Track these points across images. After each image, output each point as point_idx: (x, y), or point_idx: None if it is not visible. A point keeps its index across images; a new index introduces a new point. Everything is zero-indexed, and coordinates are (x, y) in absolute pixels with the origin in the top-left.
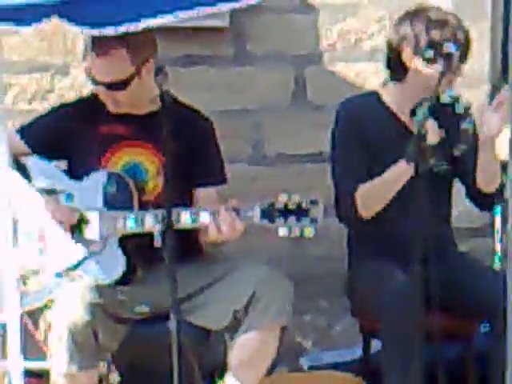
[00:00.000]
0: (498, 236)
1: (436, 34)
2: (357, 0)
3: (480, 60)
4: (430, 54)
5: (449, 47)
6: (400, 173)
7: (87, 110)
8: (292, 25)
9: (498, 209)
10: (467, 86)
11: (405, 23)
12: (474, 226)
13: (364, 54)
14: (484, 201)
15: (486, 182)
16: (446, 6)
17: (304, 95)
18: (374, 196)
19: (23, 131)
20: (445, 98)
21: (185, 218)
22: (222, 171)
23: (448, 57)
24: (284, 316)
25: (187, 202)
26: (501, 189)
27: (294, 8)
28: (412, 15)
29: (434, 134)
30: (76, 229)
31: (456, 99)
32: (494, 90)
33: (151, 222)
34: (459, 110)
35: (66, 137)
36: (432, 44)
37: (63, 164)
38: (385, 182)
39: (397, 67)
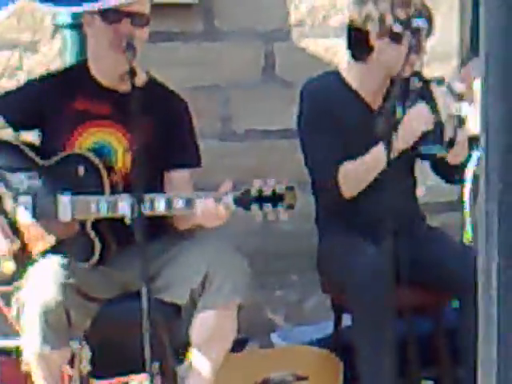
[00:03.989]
0: (467, 206)
1: (401, 12)
2: None
3: (449, 33)
4: (399, 28)
5: (417, 22)
6: (379, 154)
7: (67, 81)
8: (261, 1)
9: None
10: (437, 60)
11: (368, 3)
12: (443, 201)
13: (333, 30)
14: (452, 174)
15: (455, 154)
16: None
17: (273, 71)
18: (356, 177)
19: None
20: (412, 83)
21: (159, 205)
22: (198, 154)
23: (416, 31)
24: (238, 294)
25: (159, 184)
26: (466, 161)
27: None
28: None
29: (427, 119)
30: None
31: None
32: (462, 64)
33: (124, 208)
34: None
35: (41, 109)
36: (398, 22)
37: (31, 135)
38: (366, 164)
39: (360, 47)
